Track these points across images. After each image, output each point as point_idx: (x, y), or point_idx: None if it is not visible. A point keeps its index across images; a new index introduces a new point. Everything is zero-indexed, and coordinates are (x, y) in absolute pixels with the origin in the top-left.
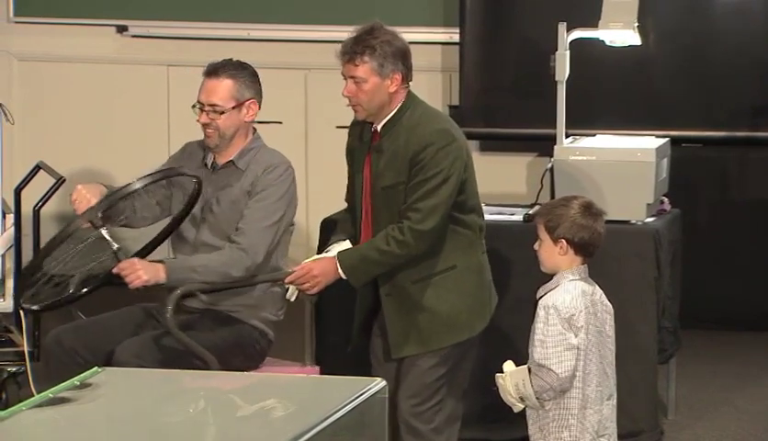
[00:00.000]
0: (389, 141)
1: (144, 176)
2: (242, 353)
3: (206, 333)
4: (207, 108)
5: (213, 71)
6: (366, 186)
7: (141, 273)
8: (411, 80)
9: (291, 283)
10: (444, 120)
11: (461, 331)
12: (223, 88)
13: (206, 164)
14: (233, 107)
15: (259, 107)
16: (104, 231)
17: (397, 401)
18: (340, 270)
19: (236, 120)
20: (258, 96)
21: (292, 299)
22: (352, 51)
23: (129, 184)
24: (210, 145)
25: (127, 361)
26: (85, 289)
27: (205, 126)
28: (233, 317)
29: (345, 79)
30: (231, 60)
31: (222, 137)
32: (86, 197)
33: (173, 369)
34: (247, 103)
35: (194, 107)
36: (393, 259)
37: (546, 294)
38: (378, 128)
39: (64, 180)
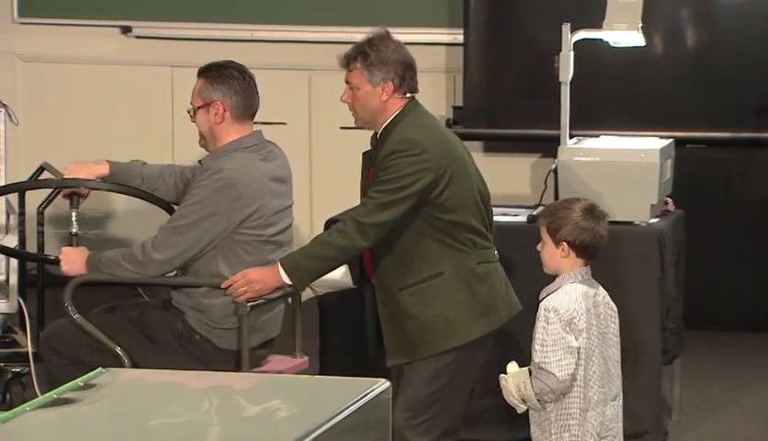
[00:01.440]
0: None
1: (116, 183)
2: (177, 352)
3: (135, 325)
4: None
5: (198, 71)
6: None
7: (61, 263)
8: (411, 91)
9: (227, 288)
10: (417, 130)
11: (446, 339)
12: (195, 88)
13: None
14: (200, 107)
15: (227, 110)
16: (73, 213)
17: (393, 411)
18: (282, 272)
19: (206, 121)
20: (230, 98)
21: None
22: (347, 57)
23: (93, 180)
24: (200, 145)
25: (41, 340)
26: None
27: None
28: (182, 317)
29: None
30: (227, 61)
31: (203, 136)
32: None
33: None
34: (213, 104)
35: None
36: (336, 252)
37: (547, 296)
38: (378, 135)
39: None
